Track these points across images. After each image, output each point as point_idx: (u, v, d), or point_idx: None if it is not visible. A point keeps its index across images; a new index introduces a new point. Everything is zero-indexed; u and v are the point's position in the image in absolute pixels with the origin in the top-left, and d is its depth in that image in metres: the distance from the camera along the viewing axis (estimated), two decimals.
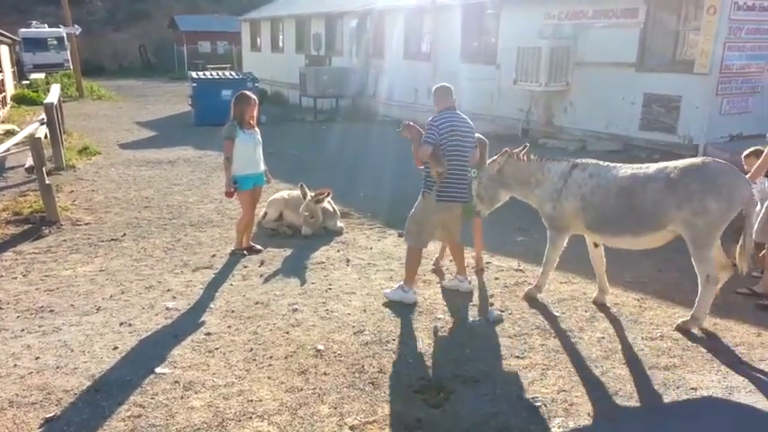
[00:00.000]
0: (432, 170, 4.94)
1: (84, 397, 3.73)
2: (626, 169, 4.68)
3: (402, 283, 5.20)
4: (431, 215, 5.09)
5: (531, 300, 5.19)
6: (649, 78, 10.71)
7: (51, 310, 4.94)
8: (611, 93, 11.23)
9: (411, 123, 5.22)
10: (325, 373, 4.02)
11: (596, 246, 5.04)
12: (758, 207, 4.96)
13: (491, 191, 5.28)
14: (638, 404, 3.73)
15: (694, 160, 4.54)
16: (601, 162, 4.87)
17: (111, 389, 3.81)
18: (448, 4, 14.64)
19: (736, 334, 4.59)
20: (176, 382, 3.90)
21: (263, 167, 6.37)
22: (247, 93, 6.28)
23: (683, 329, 4.62)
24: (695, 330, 4.61)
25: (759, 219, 5.11)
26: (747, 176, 4.84)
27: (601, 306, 5.06)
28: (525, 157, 5.13)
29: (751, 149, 5.59)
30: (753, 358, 4.23)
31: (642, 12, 10.71)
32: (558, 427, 3.47)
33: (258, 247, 6.49)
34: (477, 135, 5.23)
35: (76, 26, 23.69)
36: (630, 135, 11.06)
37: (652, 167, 4.60)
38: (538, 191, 4.99)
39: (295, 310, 5.01)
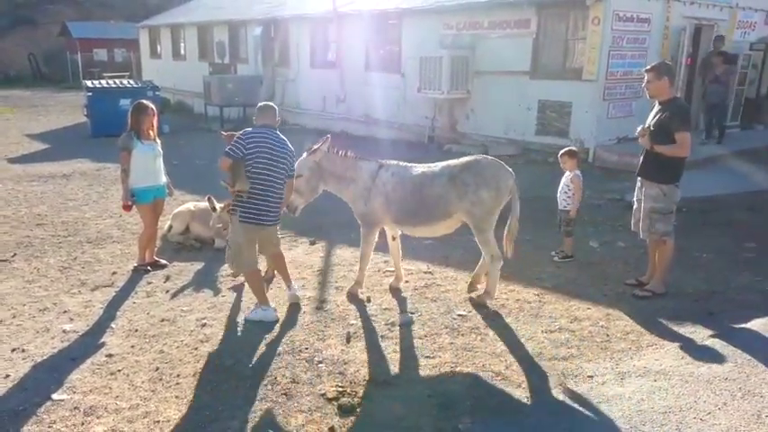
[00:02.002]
0: (229, 187, 4.77)
1: None
2: (420, 168, 5.20)
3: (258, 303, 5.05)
4: (239, 236, 4.90)
5: (353, 297, 5.40)
6: (543, 86, 11.34)
7: None
8: (509, 100, 11.80)
9: (232, 133, 5.05)
10: (236, 388, 3.95)
11: (393, 239, 5.55)
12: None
13: (312, 182, 5.28)
14: (540, 395, 3.93)
15: (469, 158, 5.16)
16: (401, 162, 5.33)
17: (2, 420, 3.56)
18: (351, 13, 14.80)
19: (627, 323, 4.94)
20: (76, 408, 3.70)
21: (164, 179, 6.17)
22: (144, 102, 6.06)
23: (480, 304, 5.18)
24: (560, 326, 4.93)
25: (634, 214, 5.60)
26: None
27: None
28: (339, 151, 5.29)
29: (565, 149, 6.47)
30: (642, 345, 4.58)
31: (534, 23, 11.32)
32: (466, 423, 3.60)
33: (163, 261, 6.27)
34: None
35: None
36: (527, 140, 11.65)
37: (439, 165, 5.16)
38: (352, 187, 5.28)
39: (204, 324, 4.88)
